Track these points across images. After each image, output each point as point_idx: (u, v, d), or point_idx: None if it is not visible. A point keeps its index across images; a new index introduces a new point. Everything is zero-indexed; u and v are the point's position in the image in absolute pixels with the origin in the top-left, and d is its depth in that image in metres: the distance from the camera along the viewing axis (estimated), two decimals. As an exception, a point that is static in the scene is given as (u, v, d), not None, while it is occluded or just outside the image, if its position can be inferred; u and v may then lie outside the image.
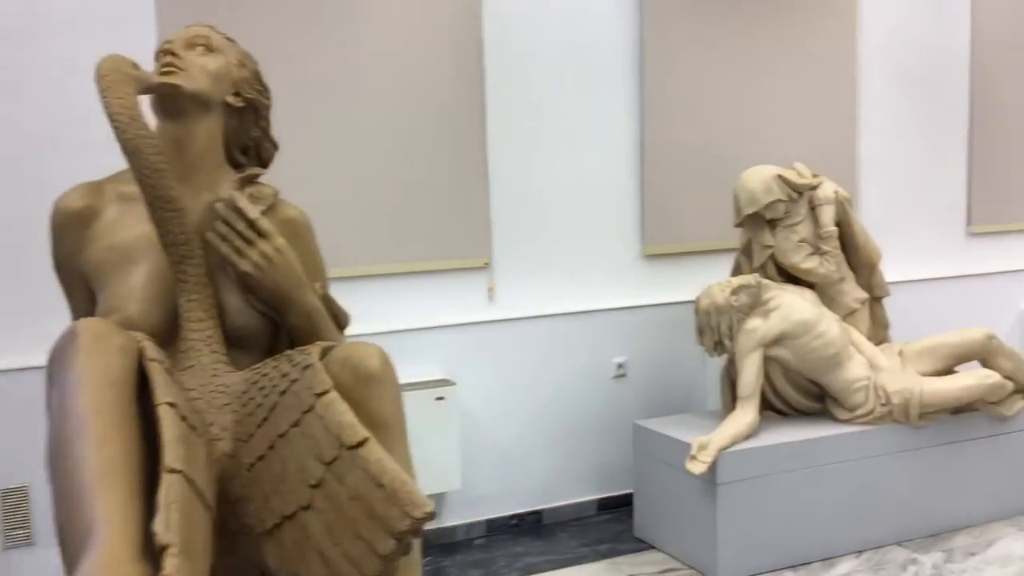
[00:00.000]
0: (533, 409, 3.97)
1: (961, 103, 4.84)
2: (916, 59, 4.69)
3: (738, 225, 3.73)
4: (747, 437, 3.43)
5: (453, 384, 3.66)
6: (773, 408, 3.73)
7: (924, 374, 3.66)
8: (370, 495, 1.52)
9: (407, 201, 3.69)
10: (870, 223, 4.60)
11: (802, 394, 3.71)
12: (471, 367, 3.84)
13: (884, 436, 3.56)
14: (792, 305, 3.55)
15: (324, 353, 1.75)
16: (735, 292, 3.52)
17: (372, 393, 1.68)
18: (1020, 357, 3.75)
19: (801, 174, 3.75)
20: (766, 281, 3.61)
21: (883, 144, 4.64)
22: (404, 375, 3.57)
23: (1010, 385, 3.72)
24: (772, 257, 3.72)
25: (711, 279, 3.72)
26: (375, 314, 3.62)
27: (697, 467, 3.25)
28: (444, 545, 3.76)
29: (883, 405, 3.56)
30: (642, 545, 3.69)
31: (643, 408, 4.13)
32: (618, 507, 4.04)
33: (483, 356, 3.87)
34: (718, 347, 3.61)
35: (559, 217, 4.00)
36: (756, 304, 3.56)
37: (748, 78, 4.26)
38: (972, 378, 3.59)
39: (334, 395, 1.62)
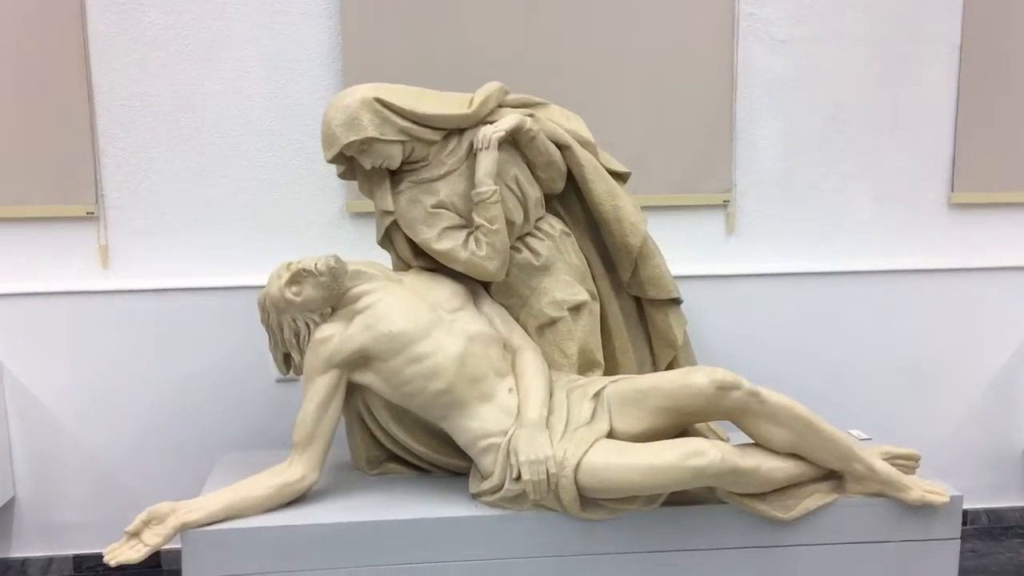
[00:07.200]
0: (148, 417, 2.93)
1: (952, 29, 3.10)
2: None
3: (343, 176, 2.43)
4: (275, 507, 2.21)
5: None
6: (400, 460, 2.45)
7: (629, 434, 2.21)
8: None
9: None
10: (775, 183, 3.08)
11: (434, 443, 2.40)
12: (51, 350, 2.87)
13: (527, 527, 2.20)
14: (389, 307, 2.24)
15: None
16: (293, 281, 2.27)
17: None
18: (808, 420, 2.19)
19: (473, 101, 2.37)
20: (358, 265, 2.31)
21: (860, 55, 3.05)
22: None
23: (765, 470, 2.17)
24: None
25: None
26: None
27: (123, 553, 2.05)
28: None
29: (516, 480, 2.18)
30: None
31: (315, 426, 2.97)
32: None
33: (78, 337, 2.88)
34: (288, 361, 2.38)
35: (215, 154, 2.90)
36: (340, 301, 2.29)
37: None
38: (671, 454, 2.09)
39: None
